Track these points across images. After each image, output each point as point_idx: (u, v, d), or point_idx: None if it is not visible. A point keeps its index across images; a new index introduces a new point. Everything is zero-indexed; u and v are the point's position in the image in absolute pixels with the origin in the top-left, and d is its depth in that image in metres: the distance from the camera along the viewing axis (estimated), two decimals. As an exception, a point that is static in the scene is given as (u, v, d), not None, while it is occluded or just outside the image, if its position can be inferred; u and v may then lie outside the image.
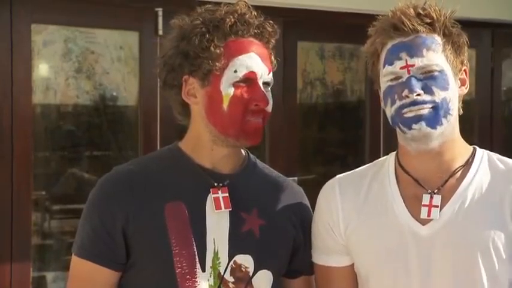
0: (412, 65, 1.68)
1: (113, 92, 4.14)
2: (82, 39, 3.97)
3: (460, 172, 1.74)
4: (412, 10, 1.71)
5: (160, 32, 3.94)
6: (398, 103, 1.69)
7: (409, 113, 1.68)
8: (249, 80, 1.74)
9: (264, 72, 1.76)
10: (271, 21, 1.80)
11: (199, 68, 1.74)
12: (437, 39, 1.71)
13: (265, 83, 1.78)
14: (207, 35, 1.73)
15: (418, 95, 1.67)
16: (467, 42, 1.76)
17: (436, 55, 1.69)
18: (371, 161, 1.92)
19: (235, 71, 1.74)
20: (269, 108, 1.78)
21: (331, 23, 4.50)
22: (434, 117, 1.68)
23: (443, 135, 1.71)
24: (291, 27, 4.39)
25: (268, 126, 4.33)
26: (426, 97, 1.68)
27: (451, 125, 1.72)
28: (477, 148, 1.79)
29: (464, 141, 1.79)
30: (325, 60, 4.77)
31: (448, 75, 1.70)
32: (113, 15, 3.95)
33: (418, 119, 1.67)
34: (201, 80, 1.75)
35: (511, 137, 5.23)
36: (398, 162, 1.79)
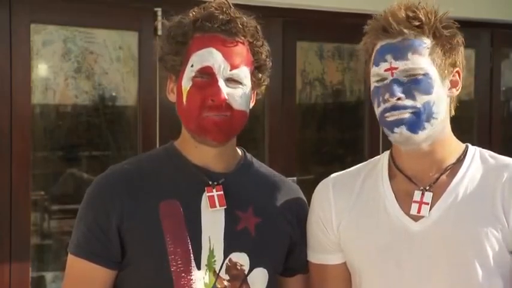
0: (396, 68, 1.68)
1: (112, 92, 4.14)
2: (81, 39, 3.97)
3: (451, 169, 1.75)
4: (402, 12, 1.70)
5: (160, 32, 3.92)
6: (382, 106, 1.70)
7: (390, 117, 1.69)
8: (206, 74, 1.74)
9: (223, 68, 1.74)
10: (244, 18, 1.78)
11: (168, 64, 1.78)
12: (426, 41, 1.70)
13: (232, 80, 1.75)
14: (173, 32, 1.76)
15: (399, 99, 1.67)
16: (462, 42, 1.76)
17: (421, 58, 1.69)
18: (370, 162, 1.93)
19: (192, 66, 1.74)
20: (237, 105, 1.75)
21: (331, 23, 4.50)
22: (416, 122, 1.68)
23: (431, 137, 1.72)
24: (290, 27, 4.40)
25: (267, 127, 4.38)
26: (407, 102, 1.68)
27: (437, 127, 1.72)
28: (469, 145, 1.80)
29: (457, 139, 1.80)
30: (324, 60, 4.77)
31: (433, 78, 1.70)
32: (112, 15, 3.95)
33: (399, 122, 1.68)
34: (174, 75, 1.79)
35: (510, 137, 5.23)
36: (392, 160, 1.80)
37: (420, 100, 1.68)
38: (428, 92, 1.69)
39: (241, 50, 1.77)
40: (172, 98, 1.82)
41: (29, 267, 3.77)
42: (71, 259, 1.78)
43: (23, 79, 3.72)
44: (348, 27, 4.36)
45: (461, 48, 1.76)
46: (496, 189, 1.70)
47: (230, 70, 1.74)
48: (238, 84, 1.76)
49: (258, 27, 1.81)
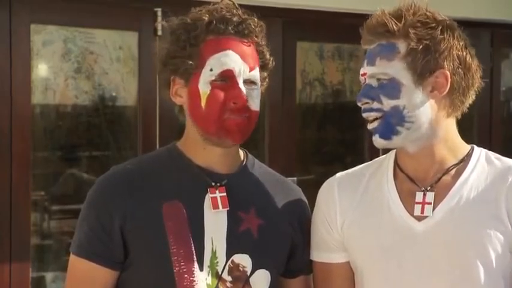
0: (365, 74, 1.74)
1: (112, 92, 4.14)
2: (81, 39, 3.97)
3: (454, 170, 1.75)
4: (378, 18, 1.72)
5: (160, 33, 3.94)
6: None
7: (368, 125, 1.74)
8: (227, 78, 1.74)
9: (243, 70, 1.75)
10: (255, 19, 1.79)
11: (179, 67, 1.76)
12: (399, 45, 1.71)
13: (249, 81, 1.76)
14: (183, 35, 1.75)
15: (366, 103, 1.72)
16: (457, 42, 1.73)
17: (388, 63, 1.70)
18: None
19: (211, 70, 1.74)
20: (254, 106, 1.77)
21: (331, 23, 4.50)
22: (386, 128, 1.71)
23: (417, 140, 1.72)
24: (290, 27, 4.40)
25: (267, 127, 4.38)
26: (375, 105, 1.71)
27: (420, 131, 1.72)
28: (475, 147, 1.80)
29: (461, 140, 1.80)
30: (324, 60, 4.77)
31: (402, 83, 1.70)
32: (112, 15, 3.95)
33: (373, 132, 1.73)
34: (184, 79, 1.77)
35: (510, 137, 5.23)
36: (396, 161, 1.81)
37: (387, 104, 1.70)
38: (395, 96, 1.70)
39: (252, 51, 1.78)
40: (179, 101, 1.81)
41: (29, 267, 3.77)
42: (73, 259, 1.78)
43: (23, 79, 3.72)
44: (348, 27, 4.35)
45: (454, 50, 1.72)
46: (501, 191, 1.70)
47: (249, 72, 1.76)
48: (254, 85, 1.77)
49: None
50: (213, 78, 1.73)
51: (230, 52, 1.74)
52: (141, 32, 4.01)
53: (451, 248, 1.68)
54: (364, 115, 1.74)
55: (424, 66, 1.70)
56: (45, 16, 3.80)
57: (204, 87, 1.74)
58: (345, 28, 4.43)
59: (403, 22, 1.70)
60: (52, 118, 4.04)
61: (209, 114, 1.74)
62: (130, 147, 4.14)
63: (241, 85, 1.74)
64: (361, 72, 1.76)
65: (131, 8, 3.98)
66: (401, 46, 1.70)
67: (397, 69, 1.70)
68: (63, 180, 4.12)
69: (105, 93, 4.11)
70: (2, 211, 3.66)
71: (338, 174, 1.89)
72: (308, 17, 4.42)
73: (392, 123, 1.70)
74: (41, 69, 3.94)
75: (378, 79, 1.71)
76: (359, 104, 1.75)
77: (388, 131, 1.71)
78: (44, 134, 3.98)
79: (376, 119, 1.72)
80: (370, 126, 1.74)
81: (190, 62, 1.74)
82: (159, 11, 3.98)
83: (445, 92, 1.72)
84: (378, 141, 1.73)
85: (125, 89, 4.14)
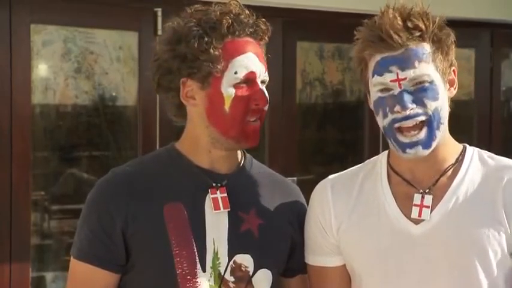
0: (404, 79, 1.66)
1: (112, 92, 4.14)
2: (81, 39, 3.97)
3: (451, 171, 1.74)
4: (399, 21, 1.66)
5: (160, 32, 3.94)
6: (390, 116, 1.68)
7: (403, 138, 1.67)
8: (249, 80, 1.75)
9: (261, 71, 1.77)
10: (263, 19, 1.79)
11: (199, 70, 1.73)
12: (427, 48, 1.68)
13: (263, 82, 1.78)
14: (206, 37, 1.72)
15: (411, 109, 1.66)
16: (455, 41, 1.74)
17: (426, 66, 1.68)
18: (370, 162, 1.92)
19: (236, 72, 1.73)
20: (266, 106, 1.78)
21: (331, 23, 4.50)
22: (429, 137, 1.67)
23: (438, 141, 1.71)
24: (290, 27, 4.40)
25: (267, 127, 4.38)
26: (419, 109, 1.67)
27: (443, 131, 1.72)
28: (467, 146, 1.79)
29: (453, 139, 1.79)
30: (325, 60, 4.77)
31: (437, 84, 1.69)
32: (112, 15, 3.95)
33: (414, 144, 1.67)
34: (201, 82, 1.75)
35: (510, 137, 5.23)
36: (390, 163, 1.79)
37: (430, 107, 1.67)
38: (436, 98, 1.68)
39: (262, 51, 1.80)
40: (192, 103, 1.78)
41: (29, 267, 3.77)
42: (74, 263, 1.77)
43: (23, 79, 3.72)
44: (348, 27, 4.35)
45: (453, 47, 1.75)
46: (497, 192, 1.69)
47: (264, 72, 1.78)
48: (265, 85, 1.79)
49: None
50: (238, 81, 1.73)
51: (251, 54, 1.75)
52: (141, 32, 4.01)
53: (450, 250, 1.68)
54: (409, 122, 1.66)
55: (446, 66, 1.71)
56: (45, 16, 3.80)
57: (228, 90, 1.74)
58: (345, 28, 4.41)
59: (430, 24, 1.68)
60: (52, 118, 4.04)
61: (234, 116, 1.74)
62: (130, 147, 4.14)
63: (261, 86, 1.76)
64: (393, 77, 1.66)
65: (131, 8, 3.98)
66: (428, 48, 1.68)
67: (432, 71, 1.68)
68: (63, 180, 4.12)
69: (105, 93, 4.11)
70: (2, 211, 3.66)
71: (331, 177, 1.86)
72: (308, 17, 4.43)
73: (434, 127, 1.68)
74: (41, 69, 3.94)
75: (420, 82, 1.67)
76: (405, 112, 1.66)
77: (430, 140, 1.68)
78: (44, 134, 3.98)
79: (418, 125, 1.67)
80: (408, 140, 1.67)
81: (218, 66, 1.73)
82: (159, 11, 3.98)
83: (456, 89, 1.74)
84: (419, 152, 1.67)
85: (125, 89, 4.14)
